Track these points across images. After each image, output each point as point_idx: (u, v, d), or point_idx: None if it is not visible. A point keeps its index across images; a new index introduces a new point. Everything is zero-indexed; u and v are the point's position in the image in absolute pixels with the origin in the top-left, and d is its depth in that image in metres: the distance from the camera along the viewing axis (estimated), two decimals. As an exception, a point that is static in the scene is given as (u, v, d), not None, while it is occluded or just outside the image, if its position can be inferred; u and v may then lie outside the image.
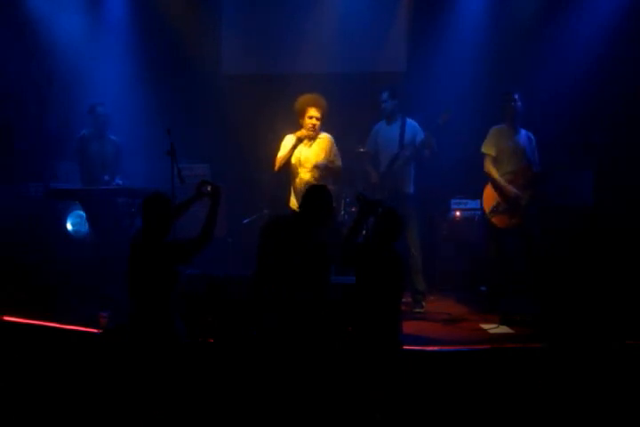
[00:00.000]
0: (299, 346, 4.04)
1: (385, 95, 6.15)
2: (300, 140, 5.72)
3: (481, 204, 6.17)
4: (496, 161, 5.98)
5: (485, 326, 5.57)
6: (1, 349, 4.82)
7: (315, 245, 4.19)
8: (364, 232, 4.52)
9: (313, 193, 4.33)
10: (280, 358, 4.02)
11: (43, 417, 4.09)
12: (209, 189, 4.36)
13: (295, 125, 5.81)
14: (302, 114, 5.70)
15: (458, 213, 7.07)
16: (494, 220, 5.93)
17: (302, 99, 5.70)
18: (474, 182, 6.31)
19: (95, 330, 5.00)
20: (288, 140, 5.79)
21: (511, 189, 5.88)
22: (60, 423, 4.07)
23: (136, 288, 4.17)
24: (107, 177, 6.47)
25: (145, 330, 4.11)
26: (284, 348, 4.04)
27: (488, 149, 5.99)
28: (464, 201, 7.06)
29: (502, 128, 6.02)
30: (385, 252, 4.19)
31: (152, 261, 4.12)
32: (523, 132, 6.02)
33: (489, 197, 6.00)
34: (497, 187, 5.93)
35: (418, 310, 6.06)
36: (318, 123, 5.70)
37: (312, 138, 5.79)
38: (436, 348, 4.87)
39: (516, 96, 5.94)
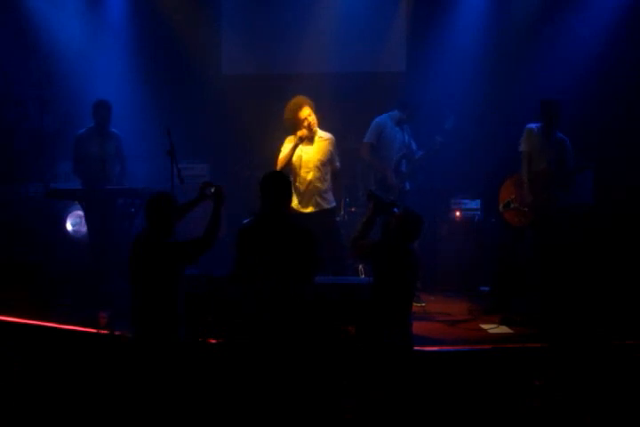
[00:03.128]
0: (282, 341, 4.04)
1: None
2: (301, 140, 5.74)
3: (482, 203, 6.17)
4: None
5: (485, 326, 5.58)
6: (0, 349, 4.82)
7: (288, 239, 4.19)
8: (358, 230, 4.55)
9: (268, 180, 4.32)
10: (272, 356, 4.02)
11: (42, 418, 4.08)
12: (212, 190, 4.37)
13: (295, 129, 5.81)
14: (296, 122, 5.72)
15: (458, 213, 7.07)
16: (505, 215, 5.91)
17: (287, 111, 5.75)
18: (474, 182, 6.31)
19: (95, 330, 5.00)
20: (289, 142, 5.81)
21: (527, 194, 5.81)
22: (59, 424, 4.06)
23: (139, 289, 4.17)
24: (118, 167, 6.49)
25: (148, 331, 4.11)
26: (267, 345, 4.05)
27: (523, 146, 5.93)
28: (464, 201, 7.06)
29: (535, 128, 5.93)
30: (403, 251, 4.26)
31: (156, 261, 4.12)
32: (558, 135, 5.93)
33: (505, 192, 5.97)
34: (518, 184, 5.91)
35: (422, 304, 6.12)
36: (312, 118, 5.72)
37: (311, 138, 5.81)
38: (435, 348, 4.87)
39: (554, 105, 5.87)
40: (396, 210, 4.41)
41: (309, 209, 5.80)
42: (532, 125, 5.97)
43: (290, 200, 4.44)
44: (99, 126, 6.47)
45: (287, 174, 5.79)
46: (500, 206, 5.97)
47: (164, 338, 4.12)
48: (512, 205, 5.89)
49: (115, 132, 6.56)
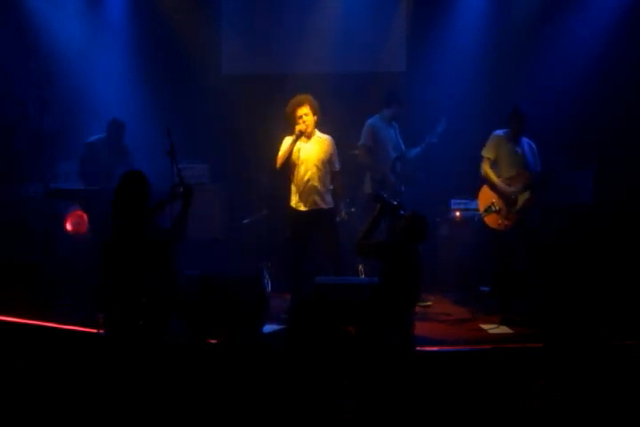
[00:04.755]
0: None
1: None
2: (300, 133, 5.72)
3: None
4: (495, 166, 6.03)
5: (485, 326, 5.58)
6: (0, 349, 4.82)
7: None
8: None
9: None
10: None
11: (42, 417, 4.08)
12: (181, 189, 4.41)
13: (294, 126, 5.82)
14: (293, 118, 5.75)
15: (458, 214, 7.07)
16: (486, 219, 6.00)
17: (288, 106, 5.77)
18: (474, 183, 6.32)
19: (95, 330, 4.99)
20: (287, 140, 5.81)
21: (506, 187, 5.95)
22: (59, 423, 4.06)
23: (117, 288, 4.20)
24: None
25: (126, 331, 4.15)
26: None
27: (487, 152, 6.07)
28: (464, 201, 7.06)
29: (504, 135, 6.03)
30: (407, 251, 4.30)
31: (128, 259, 4.16)
32: (524, 139, 6.04)
33: (484, 197, 6.07)
34: (493, 188, 5.99)
35: (427, 303, 6.18)
36: (309, 118, 5.73)
37: (309, 136, 5.80)
38: (435, 348, 4.87)
39: (524, 110, 5.97)
40: (402, 212, 4.46)
41: (306, 207, 5.80)
42: (500, 132, 6.04)
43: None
44: (113, 139, 6.59)
45: (288, 172, 5.86)
46: (482, 211, 6.02)
47: (144, 337, 4.17)
48: (494, 209, 5.93)
49: (126, 147, 6.64)
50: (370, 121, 6.40)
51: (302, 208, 5.80)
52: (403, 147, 6.48)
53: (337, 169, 5.90)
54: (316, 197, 5.79)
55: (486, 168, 6.04)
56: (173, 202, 4.62)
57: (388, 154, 6.34)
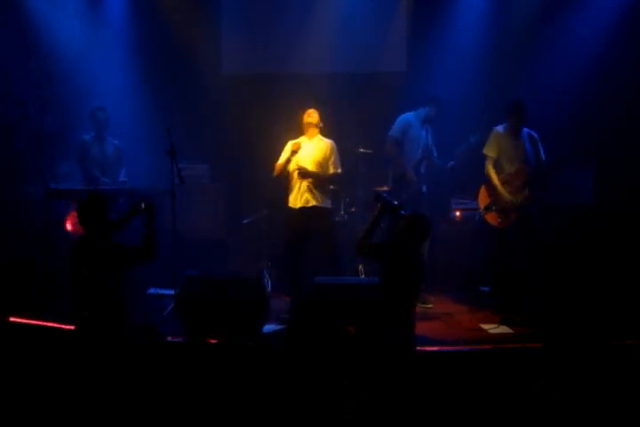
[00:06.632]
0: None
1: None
2: (294, 153, 5.78)
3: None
4: (497, 162, 6.01)
5: (485, 326, 5.58)
6: (2, 349, 4.82)
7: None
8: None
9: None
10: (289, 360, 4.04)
11: (42, 418, 4.08)
12: (143, 206, 4.41)
13: (295, 126, 5.84)
14: (301, 122, 5.88)
15: (458, 214, 7.08)
16: (487, 217, 6.00)
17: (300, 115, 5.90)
18: (474, 182, 6.33)
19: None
20: (288, 147, 5.84)
21: (506, 195, 5.92)
22: (59, 424, 4.06)
23: (83, 291, 4.22)
24: (106, 179, 6.50)
25: (93, 331, 4.16)
26: None
27: (489, 150, 6.04)
28: (464, 201, 7.06)
29: (503, 130, 6.02)
30: (407, 250, 4.31)
31: (95, 263, 4.17)
32: (524, 131, 6.03)
33: (484, 194, 6.06)
34: (494, 190, 5.97)
35: (429, 305, 6.18)
36: (314, 114, 5.85)
37: (311, 136, 5.85)
38: (435, 348, 4.87)
39: (524, 103, 5.97)
40: (402, 212, 4.47)
41: (299, 204, 5.84)
42: (499, 128, 6.03)
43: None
44: (98, 132, 6.55)
45: (286, 176, 5.89)
46: (482, 209, 6.03)
47: (109, 338, 4.19)
48: (493, 208, 5.94)
49: (114, 143, 6.62)
50: (404, 115, 6.38)
51: (297, 206, 5.85)
52: (434, 152, 6.46)
53: (338, 172, 5.91)
54: (309, 195, 5.83)
55: (489, 168, 6.01)
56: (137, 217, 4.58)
57: (414, 152, 6.32)
